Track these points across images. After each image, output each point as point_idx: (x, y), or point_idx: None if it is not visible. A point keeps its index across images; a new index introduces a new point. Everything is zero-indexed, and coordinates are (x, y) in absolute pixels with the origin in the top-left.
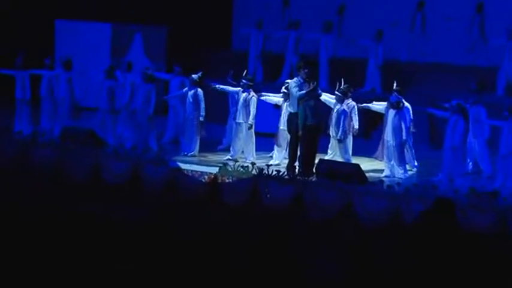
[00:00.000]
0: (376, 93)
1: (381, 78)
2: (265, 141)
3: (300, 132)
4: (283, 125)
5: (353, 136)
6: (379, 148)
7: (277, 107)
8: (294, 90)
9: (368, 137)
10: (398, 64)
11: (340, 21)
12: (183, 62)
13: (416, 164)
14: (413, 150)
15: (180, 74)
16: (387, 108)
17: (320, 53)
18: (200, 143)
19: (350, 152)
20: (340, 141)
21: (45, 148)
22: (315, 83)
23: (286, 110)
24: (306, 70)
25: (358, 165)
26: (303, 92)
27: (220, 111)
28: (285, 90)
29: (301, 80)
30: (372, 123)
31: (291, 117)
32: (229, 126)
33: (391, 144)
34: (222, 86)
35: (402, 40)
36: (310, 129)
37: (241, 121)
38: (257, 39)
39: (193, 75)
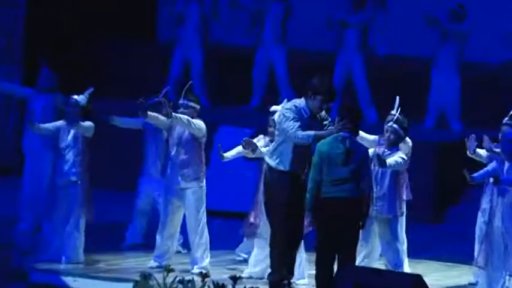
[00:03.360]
0: (454, 130)
1: (465, 97)
2: (228, 227)
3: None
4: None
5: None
6: (478, 245)
7: (251, 160)
8: (289, 129)
9: (441, 219)
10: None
11: None
12: (59, 66)
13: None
14: None
15: (51, 89)
16: (495, 158)
17: (343, 49)
18: (88, 230)
19: (404, 248)
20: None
21: None
22: (331, 120)
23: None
24: (321, 96)
25: (419, 278)
26: (308, 133)
27: (129, 166)
28: (273, 130)
29: (307, 111)
30: (446, 186)
31: (273, 177)
32: (144, 199)
33: (502, 234)
34: (129, 120)
35: None
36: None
37: (182, 185)
38: (202, 17)
39: (75, 97)
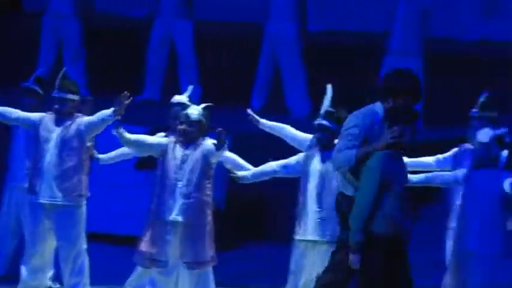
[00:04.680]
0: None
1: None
2: (115, 254)
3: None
4: (166, 210)
5: None
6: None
7: (142, 168)
8: (335, 152)
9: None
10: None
11: None
12: None
13: None
14: None
15: None
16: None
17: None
18: None
19: None
20: None
21: None
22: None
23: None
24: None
25: None
26: (348, 154)
27: None
28: (185, 127)
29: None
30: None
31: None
32: (8, 214)
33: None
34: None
35: None
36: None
37: (59, 200)
38: None
39: None
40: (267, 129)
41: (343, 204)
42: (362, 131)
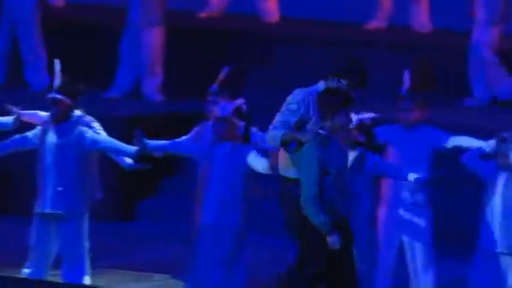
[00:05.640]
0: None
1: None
2: None
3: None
4: None
5: None
6: None
7: None
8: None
9: (131, 216)
10: None
11: None
12: None
13: None
14: None
15: None
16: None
17: None
18: None
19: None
20: None
21: None
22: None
23: None
24: (346, 80)
25: None
26: (275, 134)
27: None
28: None
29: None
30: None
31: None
32: None
33: None
34: None
35: None
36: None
37: None
38: None
39: None
40: (24, 118)
41: (286, 194)
42: (301, 107)
